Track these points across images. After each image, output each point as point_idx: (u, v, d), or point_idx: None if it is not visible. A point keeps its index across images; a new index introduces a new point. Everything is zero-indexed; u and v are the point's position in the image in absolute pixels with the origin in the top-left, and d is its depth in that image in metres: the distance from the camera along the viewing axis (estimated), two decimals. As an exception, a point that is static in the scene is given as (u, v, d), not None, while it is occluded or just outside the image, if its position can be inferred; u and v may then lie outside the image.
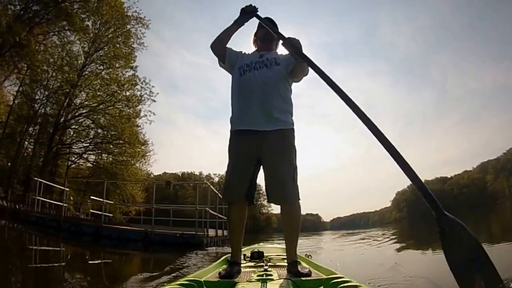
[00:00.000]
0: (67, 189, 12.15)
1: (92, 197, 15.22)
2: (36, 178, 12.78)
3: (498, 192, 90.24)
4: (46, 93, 22.01)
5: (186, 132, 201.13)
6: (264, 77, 2.42)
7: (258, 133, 2.35)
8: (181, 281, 1.78)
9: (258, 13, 2.52)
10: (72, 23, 19.31)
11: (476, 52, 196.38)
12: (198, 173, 74.71)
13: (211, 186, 11.16)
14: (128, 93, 23.10)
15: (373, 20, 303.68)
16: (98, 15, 21.36)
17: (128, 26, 23.25)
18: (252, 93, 2.40)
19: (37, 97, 22.46)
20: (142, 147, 23.54)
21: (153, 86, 23.37)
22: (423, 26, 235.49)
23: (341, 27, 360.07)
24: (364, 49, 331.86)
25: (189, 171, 73.62)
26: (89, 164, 25.36)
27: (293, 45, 2.28)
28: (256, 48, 2.73)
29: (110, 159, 23.63)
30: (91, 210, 14.68)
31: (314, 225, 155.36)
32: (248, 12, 2.52)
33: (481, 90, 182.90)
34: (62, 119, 21.95)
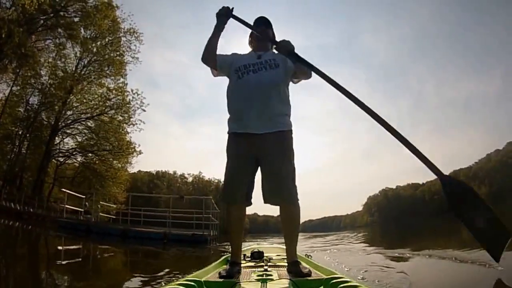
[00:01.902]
0: (84, 196, 15.04)
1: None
2: (64, 190, 15.64)
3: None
4: (41, 97, 23.96)
5: (162, 130, 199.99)
6: (263, 80, 2.47)
7: (256, 136, 2.44)
8: (181, 281, 1.92)
9: (233, 13, 2.61)
10: (74, 37, 21.81)
11: (455, 62, 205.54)
12: (172, 172, 76.31)
13: (213, 201, 14.49)
14: (118, 100, 25.07)
15: (353, 27, 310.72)
16: (94, 25, 23.38)
17: (123, 39, 25.68)
18: (251, 97, 2.46)
19: (31, 100, 24.49)
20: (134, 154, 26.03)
21: (144, 98, 25.45)
22: (403, 35, 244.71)
23: (321, 32, 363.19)
24: (343, 55, 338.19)
25: (164, 170, 74.90)
26: (76, 163, 27.45)
27: (285, 47, 2.50)
28: (252, 49, 2.78)
29: (97, 161, 25.67)
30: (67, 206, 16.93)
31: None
32: (223, 15, 2.60)
33: (457, 100, 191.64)
34: (53, 123, 24.05)
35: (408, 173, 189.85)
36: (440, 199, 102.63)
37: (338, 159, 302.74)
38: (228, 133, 2.64)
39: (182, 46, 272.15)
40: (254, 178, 2.56)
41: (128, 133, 25.68)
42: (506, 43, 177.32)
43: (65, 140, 25.70)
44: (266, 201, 2.51)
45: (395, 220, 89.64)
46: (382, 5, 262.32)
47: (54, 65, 23.72)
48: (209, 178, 75.87)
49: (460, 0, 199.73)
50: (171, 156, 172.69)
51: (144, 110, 25.40)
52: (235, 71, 2.60)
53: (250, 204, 2.59)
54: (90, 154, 25.69)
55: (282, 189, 2.41)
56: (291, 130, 2.59)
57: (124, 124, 25.32)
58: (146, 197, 40.72)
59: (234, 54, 2.76)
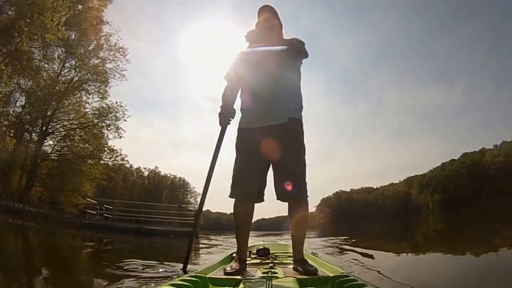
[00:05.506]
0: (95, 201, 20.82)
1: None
2: (87, 198, 21.80)
3: (421, 206, 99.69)
4: (26, 98, 26.75)
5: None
6: (270, 73, 2.81)
7: (267, 129, 2.72)
8: (186, 277, 2.09)
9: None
10: (70, 52, 26.34)
11: (417, 71, 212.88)
12: (128, 166, 78.03)
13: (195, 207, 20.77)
14: (102, 108, 28.28)
15: (318, 28, 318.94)
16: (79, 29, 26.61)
17: (110, 53, 28.66)
18: (261, 91, 2.79)
19: (19, 102, 27.21)
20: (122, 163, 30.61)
21: (127, 110, 28.53)
22: (366, 41, 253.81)
23: (289, 28, 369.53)
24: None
25: (120, 163, 76.22)
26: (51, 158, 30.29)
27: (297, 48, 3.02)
28: (256, 42, 3.06)
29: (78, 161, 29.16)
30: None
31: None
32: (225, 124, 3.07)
33: (417, 108, 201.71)
34: (40, 125, 27.46)
35: (362, 176, 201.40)
36: (393, 204, 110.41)
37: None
38: (237, 129, 2.99)
39: (143, 35, 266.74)
40: (265, 174, 2.87)
41: (109, 139, 29.25)
42: (470, 57, 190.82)
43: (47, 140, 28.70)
44: (278, 197, 2.80)
45: (347, 222, 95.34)
46: (348, 10, 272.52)
47: (40, 68, 25.56)
48: (164, 174, 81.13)
49: (426, 12, 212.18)
50: (125, 149, 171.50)
51: (126, 120, 28.71)
52: (246, 66, 3.00)
53: (261, 200, 2.92)
54: (71, 154, 29.05)
55: (292, 185, 2.68)
56: (301, 121, 2.91)
57: (106, 131, 28.57)
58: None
59: (241, 54, 3.13)
